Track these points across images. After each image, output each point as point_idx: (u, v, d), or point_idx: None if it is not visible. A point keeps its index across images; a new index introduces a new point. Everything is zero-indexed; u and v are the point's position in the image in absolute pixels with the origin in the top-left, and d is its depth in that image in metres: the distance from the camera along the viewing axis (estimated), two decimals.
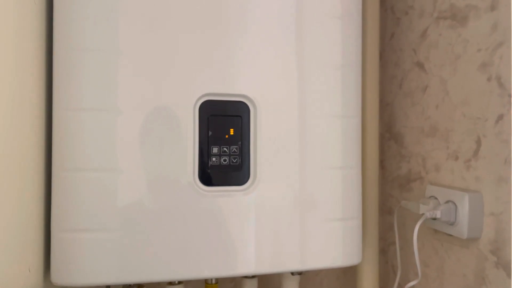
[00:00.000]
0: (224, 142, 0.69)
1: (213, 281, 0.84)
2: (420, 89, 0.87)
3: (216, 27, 0.68)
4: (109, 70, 0.64)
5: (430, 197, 0.79)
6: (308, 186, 0.72)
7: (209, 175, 0.68)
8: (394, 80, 0.96)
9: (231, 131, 0.69)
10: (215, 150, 0.69)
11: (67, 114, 0.63)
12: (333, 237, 0.74)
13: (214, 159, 0.69)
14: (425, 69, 0.85)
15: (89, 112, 0.63)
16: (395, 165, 0.96)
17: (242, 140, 0.70)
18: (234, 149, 0.70)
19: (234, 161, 0.70)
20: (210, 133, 0.69)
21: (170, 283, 0.80)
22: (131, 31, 0.65)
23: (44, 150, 0.66)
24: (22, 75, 0.58)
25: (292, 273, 0.85)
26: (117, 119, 0.64)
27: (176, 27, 0.67)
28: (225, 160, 0.69)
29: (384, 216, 1.01)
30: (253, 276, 0.88)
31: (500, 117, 0.67)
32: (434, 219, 0.75)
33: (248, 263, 0.70)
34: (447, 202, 0.74)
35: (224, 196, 0.68)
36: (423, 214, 0.75)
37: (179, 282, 0.81)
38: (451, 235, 0.77)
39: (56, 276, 0.63)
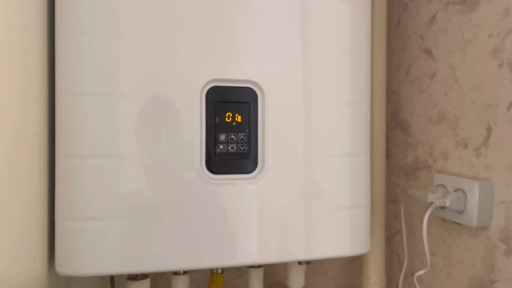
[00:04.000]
0: (231, 129, 0.68)
1: (219, 271, 0.83)
2: (427, 76, 0.85)
3: (222, 11, 0.66)
4: (112, 54, 0.62)
5: (439, 185, 0.78)
6: (316, 174, 0.71)
7: (216, 163, 0.67)
8: (400, 67, 0.94)
9: (239, 118, 0.68)
10: (222, 137, 0.67)
11: (70, 100, 0.62)
12: (341, 226, 0.73)
13: (221, 146, 0.67)
14: (433, 56, 0.84)
15: (93, 97, 0.62)
16: (401, 154, 0.95)
17: (249, 127, 0.68)
18: (242, 136, 0.68)
19: (242, 148, 0.68)
20: (217, 120, 0.67)
21: (176, 273, 0.79)
22: (134, 14, 0.63)
23: (47, 137, 0.64)
24: (25, 60, 0.56)
25: (300, 263, 0.84)
26: (121, 104, 0.63)
27: (181, 11, 0.65)
28: (232, 148, 0.68)
29: (390, 205, 1.00)
30: (259, 266, 0.87)
31: None
32: (443, 207, 0.74)
33: (255, 252, 0.69)
34: (456, 190, 0.73)
35: (231, 184, 0.67)
36: (431, 202, 0.74)
37: (185, 272, 0.80)
38: (459, 224, 0.76)
39: (61, 266, 0.62)
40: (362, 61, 0.74)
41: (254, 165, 0.69)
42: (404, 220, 0.88)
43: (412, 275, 0.79)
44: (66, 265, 0.62)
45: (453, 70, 0.78)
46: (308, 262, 0.84)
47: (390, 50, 0.97)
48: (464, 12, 0.76)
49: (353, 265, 1.08)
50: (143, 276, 0.75)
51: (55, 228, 0.63)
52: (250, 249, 0.69)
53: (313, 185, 0.71)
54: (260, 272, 0.86)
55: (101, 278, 0.89)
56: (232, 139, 0.68)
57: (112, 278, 0.83)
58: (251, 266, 0.86)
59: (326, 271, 1.07)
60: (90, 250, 0.62)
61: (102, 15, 0.62)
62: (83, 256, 0.62)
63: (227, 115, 0.67)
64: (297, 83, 0.70)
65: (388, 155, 1.00)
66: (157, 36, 0.64)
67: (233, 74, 0.67)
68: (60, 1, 0.62)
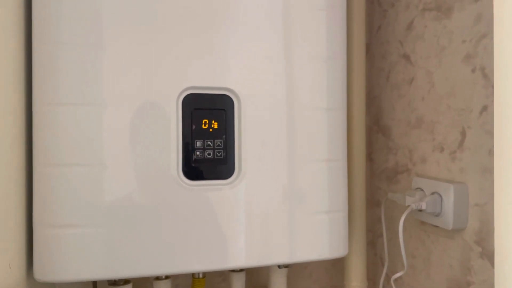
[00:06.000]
0: (208, 135, 0.69)
1: (200, 276, 0.84)
2: (406, 81, 0.87)
3: (199, 20, 0.67)
4: (90, 64, 0.63)
5: (416, 189, 0.79)
6: (294, 179, 0.72)
7: (193, 169, 0.68)
8: (381, 72, 0.96)
9: (215, 125, 0.69)
10: (199, 144, 0.68)
11: (48, 109, 0.62)
12: (319, 229, 0.74)
13: (198, 153, 0.68)
14: (411, 61, 0.85)
15: (71, 106, 0.63)
16: (382, 158, 0.96)
17: (226, 133, 0.69)
18: (219, 142, 0.69)
19: (219, 154, 0.69)
20: (193, 126, 0.68)
21: (158, 278, 0.80)
22: (112, 25, 0.64)
23: (24, 145, 0.65)
24: (1, 69, 0.57)
25: (279, 266, 0.85)
26: (100, 113, 0.63)
27: (159, 20, 0.66)
28: (209, 154, 0.69)
29: (373, 208, 1.01)
30: (241, 270, 0.88)
31: (484, 108, 0.67)
32: (420, 210, 0.75)
33: (236, 257, 0.70)
34: (432, 193, 0.75)
35: (209, 190, 0.68)
36: (409, 205, 0.75)
37: (166, 277, 0.80)
38: (437, 226, 0.77)
39: (39, 272, 0.63)
40: (338, 68, 0.75)
41: (231, 171, 0.70)
42: (386, 223, 0.90)
43: None
44: (45, 272, 0.63)
45: (429, 75, 0.80)
46: (287, 266, 0.85)
47: (372, 56, 0.99)
48: (439, 19, 0.77)
49: (337, 268, 1.09)
50: (125, 281, 0.76)
51: (33, 235, 0.64)
52: (233, 253, 0.69)
53: (291, 190, 0.72)
54: (242, 275, 0.87)
55: (84, 283, 0.89)
56: (209, 145, 0.69)
57: (94, 282, 0.84)
58: (233, 270, 0.87)
59: (311, 274, 1.08)
60: (69, 256, 0.63)
61: (79, 26, 0.63)
62: (63, 263, 0.63)
63: (203, 122, 0.68)
64: (273, 89, 0.71)
65: (370, 159, 1.01)
66: (134, 45, 0.65)
67: (209, 82, 0.68)
68: (37, 12, 0.63)
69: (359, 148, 0.90)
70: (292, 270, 1.04)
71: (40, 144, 0.63)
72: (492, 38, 0.65)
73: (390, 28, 0.92)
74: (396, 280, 0.80)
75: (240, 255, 0.70)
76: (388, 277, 0.91)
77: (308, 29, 0.72)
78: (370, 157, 1.01)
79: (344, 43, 0.77)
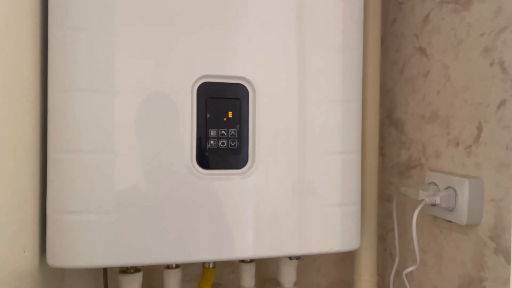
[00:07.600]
0: (222, 125, 0.68)
1: (211, 265, 0.84)
2: (421, 75, 0.86)
3: (215, 8, 0.67)
4: (106, 50, 0.63)
5: (430, 183, 0.79)
6: (307, 171, 0.71)
7: (207, 158, 0.68)
8: (395, 66, 0.95)
9: (230, 114, 0.68)
10: (213, 133, 0.68)
11: (63, 95, 0.62)
12: (331, 222, 0.73)
13: (212, 142, 0.68)
14: (427, 55, 0.84)
15: (85, 92, 0.62)
16: (394, 152, 0.95)
17: (240, 123, 0.69)
18: (233, 132, 0.69)
19: (233, 144, 0.69)
20: (208, 115, 0.68)
21: (168, 267, 0.80)
22: (128, 10, 0.63)
23: (39, 131, 0.65)
24: (16, 55, 0.56)
25: (290, 258, 0.85)
26: (114, 100, 0.63)
27: (174, 7, 0.65)
28: (223, 143, 0.68)
29: (383, 203, 1.00)
30: (251, 261, 0.87)
31: (503, 103, 0.66)
32: (434, 205, 0.75)
33: (246, 247, 0.69)
34: (447, 188, 0.74)
35: (222, 179, 0.68)
36: (422, 200, 0.74)
37: (177, 266, 0.80)
38: (450, 222, 0.76)
39: (52, 258, 0.63)
40: (354, 59, 0.74)
41: (245, 160, 0.69)
42: (397, 218, 0.89)
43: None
44: (58, 258, 0.63)
45: (446, 69, 0.78)
46: (298, 258, 0.85)
47: (385, 49, 0.98)
48: (457, 11, 0.76)
49: (346, 262, 1.09)
50: (135, 269, 0.76)
51: (46, 221, 0.64)
52: (244, 243, 0.69)
53: (304, 182, 0.71)
54: (252, 266, 0.87)
55: (95, 271, 0.89)
56: (223, 134, 0.68)
57: (105, 270, 0.84)
58: (243, 261, 0.87)
59: (319, 268, 1.08)
60: (82, 243, 0.63)
61: (95, 11, 0.63)
62: (75, 249, 0.63)
63: (218, 111, 0.68)
64: (288, 80, 0.70)
65: (382, 154, 1.00)
66: (149, 32, 0.64)
67: (225, 71, 0.67)
68: None
69: (371, 142, 0.89)
70: (301, 263, 1.04)
71: (55, 129, 0.63)
72: None
73: (405, 21, 0.91)
74: (406, 275, 0.79)
75: (251, 245, 0.70)
76: (398, 272, 0.90)
77: (324, 19, 0.71)
78: (381, 151, 1.00)
79: (361, 34, 0.76)
